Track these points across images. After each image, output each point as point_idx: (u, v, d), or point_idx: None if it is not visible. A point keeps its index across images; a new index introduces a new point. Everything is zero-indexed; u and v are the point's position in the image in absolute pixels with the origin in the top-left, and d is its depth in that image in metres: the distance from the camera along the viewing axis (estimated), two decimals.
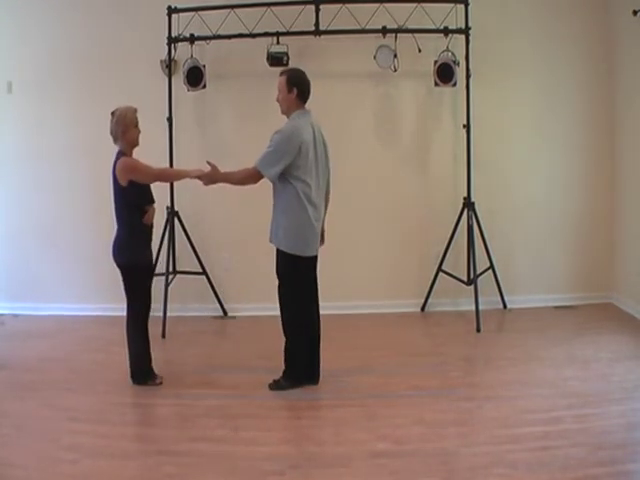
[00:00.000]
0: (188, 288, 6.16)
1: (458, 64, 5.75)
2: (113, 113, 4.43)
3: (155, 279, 5.88)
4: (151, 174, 4.51)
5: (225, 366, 4.85)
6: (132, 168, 4.39)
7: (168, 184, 5.90)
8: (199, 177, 4.46)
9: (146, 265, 4.61)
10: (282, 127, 4.34)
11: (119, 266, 4.48)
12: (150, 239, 4.56)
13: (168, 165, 5.91)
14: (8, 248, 6.33)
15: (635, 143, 5.76)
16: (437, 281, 6.06)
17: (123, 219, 4.45)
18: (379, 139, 6.19)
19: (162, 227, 5.87)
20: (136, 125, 4.45)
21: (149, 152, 6.14)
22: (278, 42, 5.73)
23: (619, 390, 4.20)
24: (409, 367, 4.74)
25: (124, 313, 6.09)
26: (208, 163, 4.44)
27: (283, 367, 4.44)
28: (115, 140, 4.44)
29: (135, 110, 4.46)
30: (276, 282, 4.46)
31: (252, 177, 4.35)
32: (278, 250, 4.41)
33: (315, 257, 4.50)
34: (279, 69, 5.55)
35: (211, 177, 4.44)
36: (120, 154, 4.43)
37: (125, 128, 4.39)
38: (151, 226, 4.54)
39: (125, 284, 4.50)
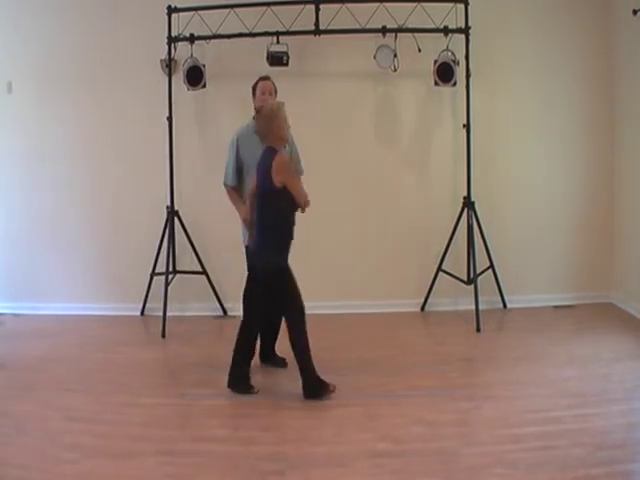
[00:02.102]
0: (188, 288, 6.17)
1: (458, 64, 5.75)
2: (259, 110, 4.25)
3: (155, 278, 5.95)
4: (301, 189, 4.19)
5: (225, 366, 4.83)
6: (289, 170, 4.14)
7: (168, 183, 5.91)
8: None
9: (284, 267, 4.24)
10: None
11: (259, 270, 4.27)
12: (291, 242, 4.27)
13: (168, 164, 5.92)
14: (8, 248, 6.33)
15: (635, 143, 5.75)
16: (437, 281, 6.05)
17: (267, 221, 4.18)
18: (379, 139, 6.19)
19: (162, 227, 5.89)
20: (285, 120, 4.21)
21: (149, 152, 6.21)
22: (278, 41, 5.73)
23: (619, 390, 4.19)
24: (409, 367, 4.74)
25: (125, 313, 6.18)
26: None
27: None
28: (264, 137, 4.20)
29: (284, 104, 4.24)
30: None
31: None
32: None
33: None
34: (280, 69, 5.60)
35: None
36: (272, 151, 4.16)
37: (279, 123, 4.16)
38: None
39: (276, 292, 4.24)
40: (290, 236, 4.24)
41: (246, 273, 4.60)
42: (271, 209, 4.17)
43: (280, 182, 4.09)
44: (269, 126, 4.16)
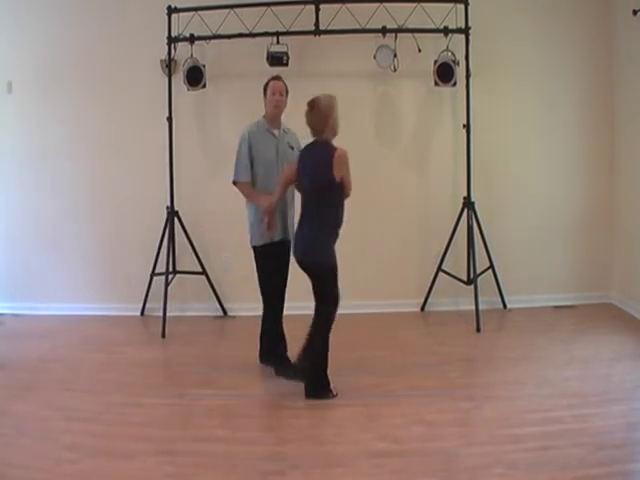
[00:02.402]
0: (188, 288, 6.17)
1: (458, 64, 5.75)
2: (312, 104, 4.20)
3: (155, 279, 5.95)
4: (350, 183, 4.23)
5: (225, 366, 4.85)
6: (348, 163, 4.16)
7: (168, 183, 5.91)
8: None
9: (336, 265, 4.23)
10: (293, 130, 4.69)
11: (309, 266, 4.20)
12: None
13: (168, 164, 5.92)
14: (8, 248, 6.33)
15: (635, 143, 5.75)
16: (437, 281, 6.06)
17: (322, 215, 4.19)
18: (379, 139, 6.19)
19: (162, 227, 5.89)
20: (337, 113, 4.21)
21: (149, 152, 6.21)
22: (278, 42, 5.73)
23: (619, 390, 4.20)
24: (409, 367, 4.74)
25: (125, 313, 6.18)
26: None
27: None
28: (321, 132, 4.18)
29: (336, 98, 4.25)
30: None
31: None
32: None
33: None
34: (280, 69, 5.59)
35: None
36: (329, 146, 4.17)
37: (335, 117, 4.17)
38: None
39: (318, 286, 4.21)
40: (338, 231, 4.25)
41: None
42: (328, 202, 4.20)
43: (340, 176, 4.13)
44: (326, 121, 4.17)
